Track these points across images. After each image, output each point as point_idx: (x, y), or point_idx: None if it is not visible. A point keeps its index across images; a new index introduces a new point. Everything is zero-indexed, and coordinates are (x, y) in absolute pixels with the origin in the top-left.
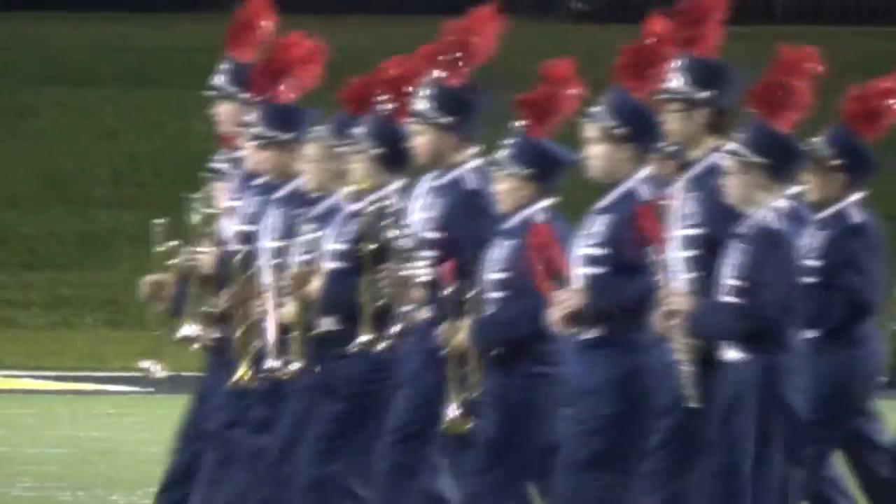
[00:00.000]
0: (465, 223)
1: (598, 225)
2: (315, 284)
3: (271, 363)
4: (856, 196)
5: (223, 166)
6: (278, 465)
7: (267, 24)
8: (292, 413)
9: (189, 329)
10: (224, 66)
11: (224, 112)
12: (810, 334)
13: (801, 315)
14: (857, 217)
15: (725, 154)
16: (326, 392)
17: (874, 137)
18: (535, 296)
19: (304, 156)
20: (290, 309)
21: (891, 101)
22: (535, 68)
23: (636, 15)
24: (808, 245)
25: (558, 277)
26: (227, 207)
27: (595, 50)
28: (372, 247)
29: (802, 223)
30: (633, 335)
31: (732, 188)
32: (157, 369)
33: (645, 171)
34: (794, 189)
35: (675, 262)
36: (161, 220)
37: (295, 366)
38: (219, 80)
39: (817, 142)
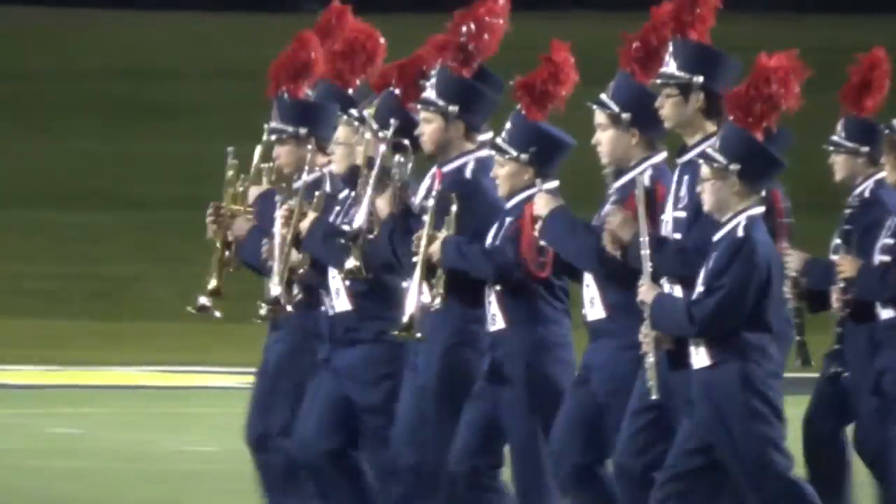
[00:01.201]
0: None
1: (606, 209)
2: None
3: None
4: None
5: None
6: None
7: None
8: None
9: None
10: None
11: None
12: (888, 314)
13: (774, 324)
14: None
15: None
16: None
17: None
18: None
19: (336, 140)
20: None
21: None
22: None
23: None
24: (889, 224)
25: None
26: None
27: None
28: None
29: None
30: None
31: (707, 195)
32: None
33: (658, 157)
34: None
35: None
36: (231, 148)
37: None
38: None
39: (894, 123)
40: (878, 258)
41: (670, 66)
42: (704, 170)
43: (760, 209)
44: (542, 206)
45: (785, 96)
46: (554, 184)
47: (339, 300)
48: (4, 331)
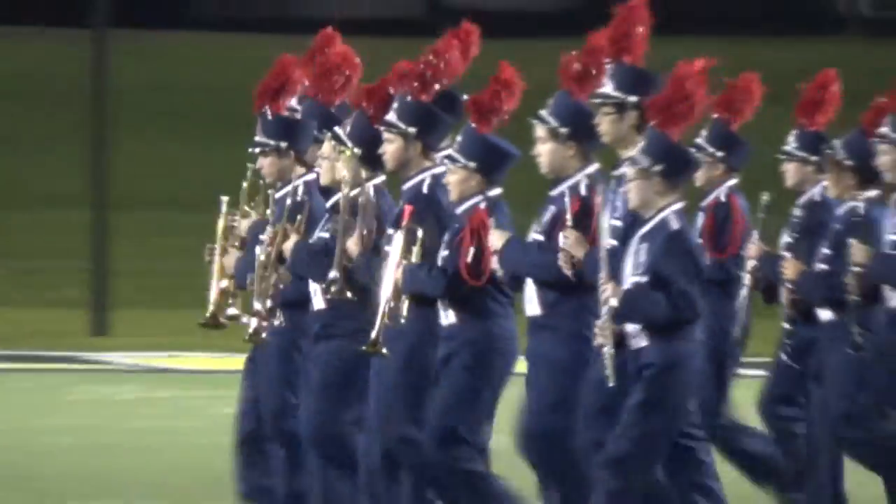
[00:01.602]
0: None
1: (545, 214)
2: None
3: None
4: (870, 193)
5: None
6: None
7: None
8: None
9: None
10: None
11: None
12: (827, 316)
13: (700, 306)
14: (863, 211)
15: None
16: None
17: None
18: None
19: (320, 154)
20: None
21: None
22: None
23: None
24: (828, 234)
25: (483, 261)
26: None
27: None
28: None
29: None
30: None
31: (632, 194)
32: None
33: (591, 168)
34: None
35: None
36: (226, 197)
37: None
38: None
39: (835, 144)
40: (818, 266)
41: (607, 87)
42: (629, 171)
43: (682, 203)
44: (496, 240)
45: (699, 103)
46: (497, 191)
47: (316, 299)
48: (176, 322)
